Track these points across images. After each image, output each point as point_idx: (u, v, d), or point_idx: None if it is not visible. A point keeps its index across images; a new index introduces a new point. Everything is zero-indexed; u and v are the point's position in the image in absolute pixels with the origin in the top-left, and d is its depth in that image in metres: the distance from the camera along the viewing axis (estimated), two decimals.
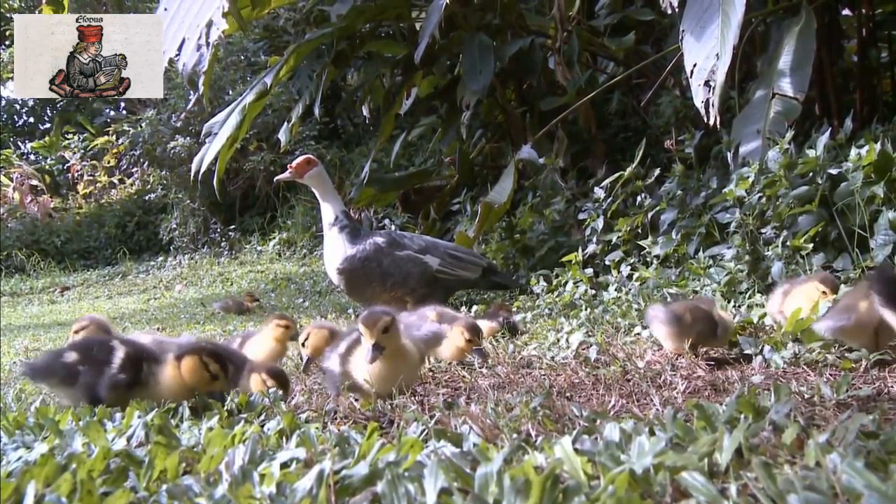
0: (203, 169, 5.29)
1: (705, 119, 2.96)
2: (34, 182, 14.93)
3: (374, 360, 1.75)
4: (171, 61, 4.84)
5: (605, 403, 1.69)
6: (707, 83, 2.93)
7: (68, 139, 15.43)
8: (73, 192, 15.11)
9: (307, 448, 1.28)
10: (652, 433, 1.21)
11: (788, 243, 2.80)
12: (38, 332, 4.99)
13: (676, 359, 2.15)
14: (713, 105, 2.91)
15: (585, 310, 3.07)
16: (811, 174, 2.90)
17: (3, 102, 18.12)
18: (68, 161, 15.28)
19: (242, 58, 11.33)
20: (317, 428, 1.49)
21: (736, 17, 2.87)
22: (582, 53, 5.54)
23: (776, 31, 3.92)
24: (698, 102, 2.98)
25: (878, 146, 2.68)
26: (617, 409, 1.64)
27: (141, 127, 11.15)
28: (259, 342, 2.58)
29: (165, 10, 4.71)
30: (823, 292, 2.19)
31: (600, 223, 3.98)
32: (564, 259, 3.88)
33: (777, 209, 2.92)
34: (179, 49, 4.61)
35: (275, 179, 4.22)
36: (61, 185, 16.04)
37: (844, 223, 2.79)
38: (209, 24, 4.33)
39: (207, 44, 4.41)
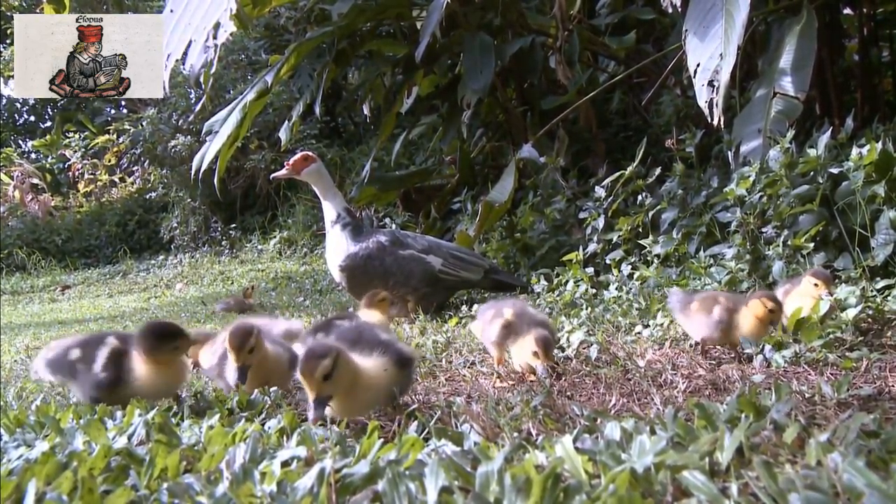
0: (204, 167, 5.29)
1: (709, 119, 2.96)
2: (35, 180, 14.93)
3: (318, 419, 1.46)
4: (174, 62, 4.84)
5: (605, 402, 1.69)
6: (711, 83, 2.92)
7: (69, 138, 15.44)
8: (74, 190, 15.12)
9: (308, 446, 1.28)
10: (653, 432, 1.21)
11: (789, 242, 2.80)
12: (39, 331, 4.99)
13: (677, 357, 2.15)
14: (717, 105, 2.91)
15: (586, 309, 3.07)
16: (812, 173, 2.90)
17: (4, 101, 18.13)
18: (69, 159, 15.29)
19: (243, 56, 11.34)
20: (318, 426, 1.49)
21: (740, 17, 2.87)
22: (583, 52, 5.54)
23: (777, 30, 3.92)
24: (702, 103, 2.97)
25: (879, 145, 2.68)
26: (618, 408, 1.64)
27: (142, 125, 11.16)
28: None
29: (171, 11, 4.70)
30: (815, 285, 2.20)
31: (601, 222, 3.98)
32: (565, 258, 3.88)
33: (778, 208, 2.92)
34: (186, 51, 4.60)
35: (271, 177, 4.21)
36: (62, 184, 16.06)
37: (845, 222, 2.78)
38: (216, 26, 4.32)
39: (215, 45, 4.41)
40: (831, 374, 1.83)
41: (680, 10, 3.36)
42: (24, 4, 15.00)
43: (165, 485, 1.12)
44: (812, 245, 2.77)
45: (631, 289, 3.27)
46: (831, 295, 2.18)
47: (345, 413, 1.58)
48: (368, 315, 2.82)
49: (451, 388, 2.03)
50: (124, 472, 1.21)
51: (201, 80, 4.83)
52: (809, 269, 2.39)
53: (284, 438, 1.43)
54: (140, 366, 1.83)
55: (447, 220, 6.42)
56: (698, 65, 3.00)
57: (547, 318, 2.31)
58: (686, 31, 3.13)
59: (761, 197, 2.99)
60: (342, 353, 1.51)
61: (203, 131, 5.63)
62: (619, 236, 3.81)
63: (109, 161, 14.38)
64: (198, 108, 8.76)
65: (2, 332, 5.18)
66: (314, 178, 3.83)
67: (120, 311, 6.34)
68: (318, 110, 6.16)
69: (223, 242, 11.23)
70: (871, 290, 2.52)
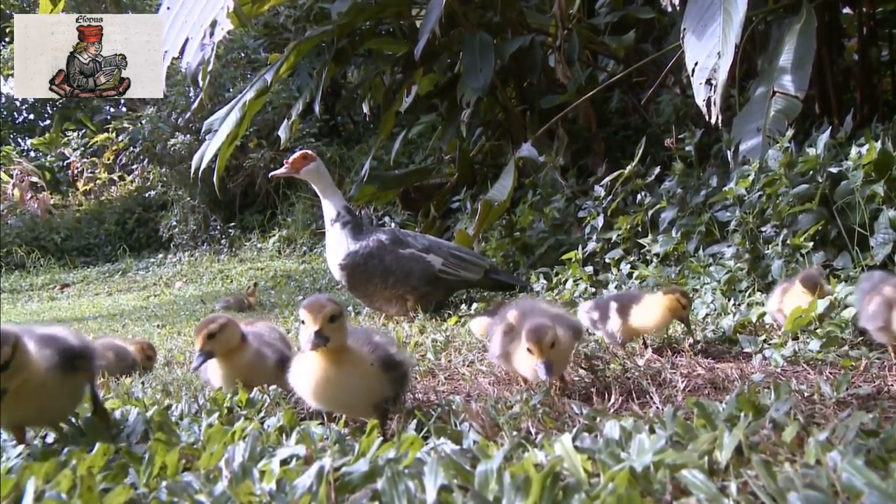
0: (203, 166, 5.28)
1: (707, 118, 2.96)
2: (34, 179, 14.93)
3: (316, 347, 1.41)
4: (172, 59, 4.84)
5: (605, 401, 1.69)
6: (709, 81, 2.92)
7: (68, 136, 15.44)
8: (73, 188, 15.12)
9: (307, 445, 1.28)
10: (652, 431, 1.21)
11: (788, 242, 2.80)
12: None
13: (676, 356, 2.15)
14: (715, 104, 2.91)
15: None
16: (811, 172, 2.90)
17: (3, 99, 18.11)
18: (68, 158, 15.29)
19: (242, 55, 11.33)
20: (317, 424, 1.49)
21: (738, 16, 2.86)
22: (582, 51, 5.53)
23: (777, 29, 3.92)
24: (700, 101, 2.97)
25: (878, 145, 2.68)
26: (617, 406, 1.64)
27: (141, 124, 11.16)
28: None
29: (168, 8, 4.70)
30: (804, 292, 2.19)
31: (600, 221, 3.98)
32: (564, 257, 3.89)
33: (777, 207, 2.92)
34: (183, 49, 4.60)
35: (270, 175, 4.21)
36: (61, 182, 16.06)
37: (844, 222, 2.79)
38: (213, 24, 4.32)
39: (212, 44, 4.40)
40: (830, 373, 1.83)
41: (679, 8, 3.36)
42: (24, 3, 14.99)
43: (164, 483, 1.12)
44: (811, 244, 2.77)
45: (630, 287, 3.27)
46: (822, 297, 2.17)
47: (322, 399, 1.49)
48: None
49: (451, 386, 2.03)
50: (123, 470, 1.21)
51: (199, 77, 4.83)
52: (800, 273, 2.32)
53: (284, 437, 1.42)
54: None
55: (446, 218, 6.42)
56: (696, 63, 3.00)
57: (561, 311, 1.97)
58: (684, 29, 3.13)
59: (760, 196, 3.00)
60: (345, 314, 1.49)
61: (202, 130, 5.63)
62: (618, 235, 3.81)
63: (108, 159, 14.37)
64: (195, 105, 8.76)
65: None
66: (313, 176, 3.82)
67: (119, 310, 6.34)
68: (317, 109, 6.16)
69: (222, 241, 11.23)
70: None
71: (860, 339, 2.08)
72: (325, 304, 1.44)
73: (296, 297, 5.58)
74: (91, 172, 14.62)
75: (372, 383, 1.49)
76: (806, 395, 1.54)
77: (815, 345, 1.99)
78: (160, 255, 11.80)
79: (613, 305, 2.29)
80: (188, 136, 10.64)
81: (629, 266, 3.56)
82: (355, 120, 12.26)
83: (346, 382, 1.47)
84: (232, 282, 8.26)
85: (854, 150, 2.74)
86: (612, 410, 1.60)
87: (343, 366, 1.47)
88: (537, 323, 1.69)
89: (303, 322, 1.45)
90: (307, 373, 1.48)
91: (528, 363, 1.69)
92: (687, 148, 3.84)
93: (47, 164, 16.32)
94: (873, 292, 1.86)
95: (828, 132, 2.91)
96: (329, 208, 3.82)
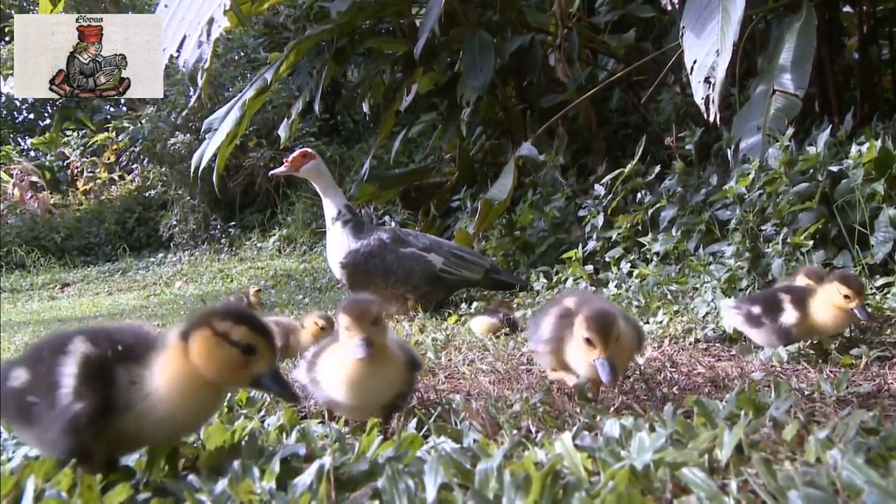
0: (203, 165, 5.28)
1: (705, 116, 2.96)
2: (34, 178, 14.92)
3: (367, 355, 1.37)
4: (171, 58, 4.84)
5: (605, 400, 1.69)
6: (707, 80, 2.92)
7: (68, 136, 15.45)
8: (73, 188, 15.12)
9: (307, 443, 1.28)
10: (652, 429, 1.21)
11: (789, 240, 2.80)
12: (38, 329, 4.99)
13: (676, 355, 2.15)
14: (713, 102, 2.91)
15: None
16: (811, 171, 2.90)
17: (3, 99, 18.10)
18: (68, 157, 15.29)
19: (242, 54, 11.33)
20: (318, 423, 1.49)
21: (736, 14, 2.86)
22: (582, 50, 5.53)
23: (777, 27, 3.92)
24: (698, 99, 2.97)
25: (878, 143, 2.68)
26: (617, 405, 1.64)
27: (141, 124, 11.16)
28: None
29: (166, 6, 4.70)
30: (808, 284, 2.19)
31: (600, 220, 3.98)
32: (564, 256, 3.89)
33: (777, 206, 2.92)
34: (180, 46, 4.60)
35: (269, 174, 4.21)
36: (61, 182, 16.05)
37: (845, 220, 2.78)
38: (210, 22, 4.32)
39: (209, 41, 4.41)
40: (831, 372, 1.83)
41: (678, 7, 3.36)
42: (24, 3, 14.99)
43: (165, 483, 1.12)
44: (811, 243, 2.77)
45: (630, 286, 3.27)
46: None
47: (357, 392, 1.46)
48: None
49: (451, 385, 2.03)
50: (123, 469, 1.21)
51: (197, 76, 4.83)
52: (802, 268, 2.33)
53: (284, 435, 1.43)
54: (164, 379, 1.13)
55: (446, 218, 6.42)
56: (695, 61, 3.00)
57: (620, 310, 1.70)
58: (683, 27, 3.13)
59: (761, 195, 3.00)
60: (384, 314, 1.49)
61: (202, 129, 5.63)
62: (618, 234, 3.81)
63: (109, 159, 14.37)
64: (192, 103, 8.77)
65: (1, 329, 5.18)
66: (313, 174, 3.82)
67: (119, 309, 6.34)
68: (317, 108, 6.16)
69: (222, 240, 11.23)
70: (871, 288, 2.53)
71: (861, 337, 2.09)
72: (369, 310, 1.43)
73: (296, 297, 5.58)
74: (91, 172, 14.62)
75: (397, 380, 1.49)
76: (806, 393, 1.54)
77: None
78: (160, 255, 11.79)
79: (786, 297, 1.96)
80: (188, 135, 10.64)
81: (629, 265, 3.56)
82: (355, 119, 12.26)
83: (383, 378, 1.46)
84: (232, 281, 8.26)
85: (854, 149, 2.74)
86: (612, 409, 1.60)
87: (381, 362, 1.46)
88: (601, 309, 1.48)
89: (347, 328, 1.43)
90: (343, 366, 1.46)
91: (582, 358, 1.52)
92: (687, 146, 3.84)
93: (47, 163, 16.31)
94: None
95: (828, 131, 2.91)
96: (329, 207, 3.82)
